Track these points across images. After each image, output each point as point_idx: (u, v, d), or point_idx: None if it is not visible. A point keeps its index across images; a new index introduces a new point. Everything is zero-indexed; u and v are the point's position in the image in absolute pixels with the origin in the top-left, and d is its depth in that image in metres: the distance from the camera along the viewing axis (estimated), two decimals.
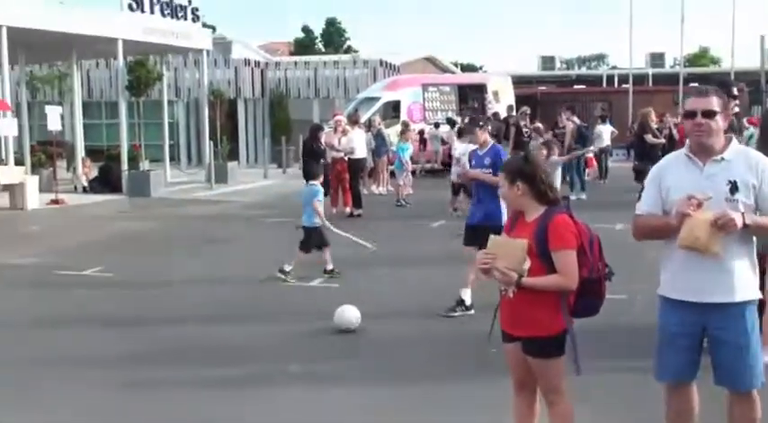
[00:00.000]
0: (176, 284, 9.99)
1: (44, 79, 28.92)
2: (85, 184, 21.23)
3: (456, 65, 50.51)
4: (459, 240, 8.59)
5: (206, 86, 25.42)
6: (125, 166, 20.91)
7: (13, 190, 17.27)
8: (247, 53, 36.04)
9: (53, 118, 18.45)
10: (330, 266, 10.17)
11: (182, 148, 32.04)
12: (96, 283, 10.18)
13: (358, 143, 16.92)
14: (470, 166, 8.46)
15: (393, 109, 25.91)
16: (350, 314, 7.56)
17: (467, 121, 16.38)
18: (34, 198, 17.46)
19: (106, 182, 21.03)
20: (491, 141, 8.46)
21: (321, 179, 10.64)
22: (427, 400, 5.83)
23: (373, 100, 26.05)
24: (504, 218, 7.31)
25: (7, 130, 17.52)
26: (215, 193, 20.92)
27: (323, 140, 16.31)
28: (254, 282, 9.95)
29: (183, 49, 25.27)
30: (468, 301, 8.05)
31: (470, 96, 28.18)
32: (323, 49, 61.74)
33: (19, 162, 19.05)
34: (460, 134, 16.45)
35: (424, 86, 27.38)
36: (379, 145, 20.42)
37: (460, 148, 14.93)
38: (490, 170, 7.97)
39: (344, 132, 16.67)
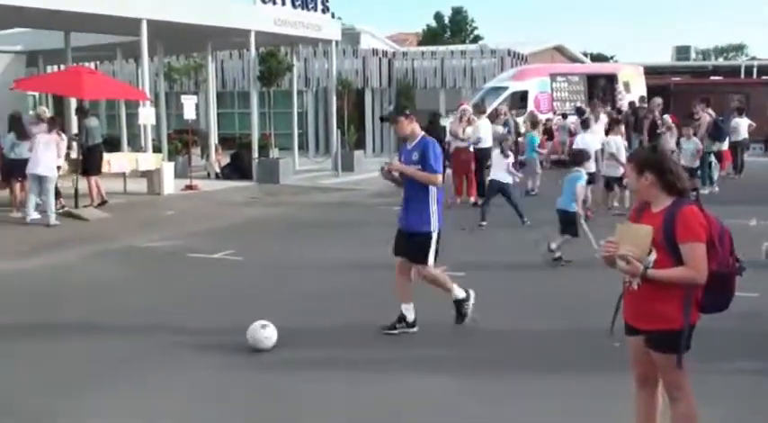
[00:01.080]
0: (303, 268, 10.23)
1: (181, 70, 29.96)
2: (218, 170, 21.93)
3: (585, 55, 49.45)
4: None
5: (334, 76, 25.78)
6: (255, 153, 21.49)
7: (151, 176, 18.02)
8: (375, 43, 36.33)
9: (189, 107, 19.14)
10: (557, 253, 10.30)
11: (310, 137, 32.63)
12: (227, 266, 10.56)
13: (484, 133, 16.84)
14: (399, 160, 7.38)
15: (520, 99, 25.64)
16: (260, 335, 6.79)
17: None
18: (170, 184, 18.17)
19: (237, 169, 21.66)
20: (420, 133, 7.20)
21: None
22: (543, 389, 5.80)
23: (500, 90, 25.84)
24: (435, 223, 7.03)
25: (146, 119, 18.27)
26: (341, 181, 21.25)
27: (447, 130, 16.33)
28: (374, 267, 10.07)
29: (312, 40, 25.70)
30: (410, 317, 7.25)
31: (600, 87, 27.57)
32: (450, 40, 61.54)
33: (156, 149, 19.85)
34: (584, 126, 16.15)
35: (553, 76, 26.96)
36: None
37: (586, 141, 14.72)
38: (419, 166, 7.00)
39: (470, 122, 16.62)
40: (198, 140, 23.97)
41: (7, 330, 7.44)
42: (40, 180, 13.54)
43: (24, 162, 13.94)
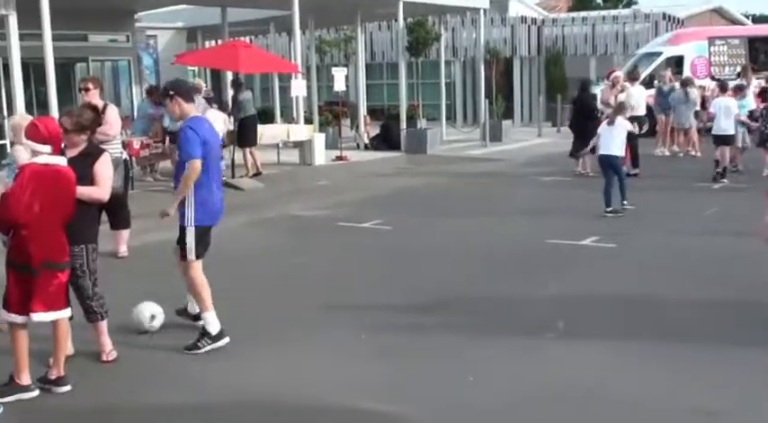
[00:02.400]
0: (452, 238, 10.32)
1: (331, 43, 30.45)
2: (367, 141, 22.25)
3: (747, 16, 46.93)
4: None
5: (482, 45, 25.59)
6: (404, 124, 21.65)
7: (303, 147, 18.49)
8: (524, 11, 35.73)
9: (339, 79, 19.48)
10: None
11: (458, 107, 32.57)
12: (376, 235, 10.78)
13: (637, 100, 16.33)
14: None
15: (675, 64, 24.66)
16: (143, 315, 6.64)
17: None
18: (321, 154, 18.58)
19: (386, 140, 21.90)
20: (191, 113, 6.34)
21: None
22: (708, 359, 5.67)
23: (654, 55, 24.96)
24: (191, 217, 6.19)
25: (297, 91, 18.73)
26: (489, 151, 21.16)
27: (598, 97, 15.95)
28: (523, 236, 10.06)
29: (460, 9, 25.58)
30: (213, 330, 6.23)
31: (763, 50, 26.14)
32: (601, 4, 59.73)
33: (308, 121, 20.33)
34: (722, 89, 15.39)
35: (711, 40, 25.76)
36: (663, 104, 19.48)
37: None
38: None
39: (622, 89, 16.16)
40: (347, 112, 24.37)
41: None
42: None
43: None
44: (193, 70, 27.52)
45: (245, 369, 5.82)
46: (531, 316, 6.93)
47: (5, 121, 16.66)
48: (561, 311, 6.97)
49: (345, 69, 21.03)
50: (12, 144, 7.42)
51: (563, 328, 6.54)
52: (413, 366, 5.80)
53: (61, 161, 5.42)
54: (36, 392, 5.39)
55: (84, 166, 5.77)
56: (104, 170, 5.88)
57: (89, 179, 5.79)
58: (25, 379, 5.38)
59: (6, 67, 14.91)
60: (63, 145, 5.54)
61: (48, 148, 5.30)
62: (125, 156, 9.68)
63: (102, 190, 5.84)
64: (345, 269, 8.86)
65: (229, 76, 19.90)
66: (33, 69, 16.57)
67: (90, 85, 9.38)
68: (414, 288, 7.88)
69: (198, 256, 6.35)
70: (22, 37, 14.54)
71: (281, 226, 11.60)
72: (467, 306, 7.32)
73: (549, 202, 12.96)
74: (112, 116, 9.44)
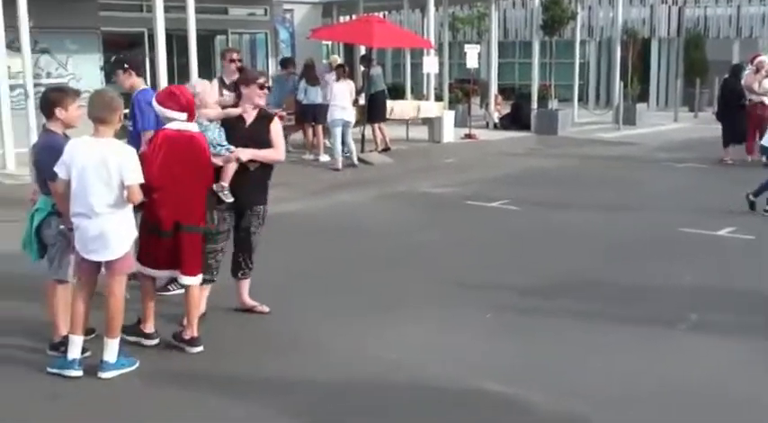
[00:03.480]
0: (581, 221, 10.15)
1: (465, 20, 30.25)
2: (496, 120, 22.05)
3: None
4: None
5: (620, 25, 24.87)
6: (535, 104, 21.36)
7: (432, 124, 18.50)
8: None
9: (471, 57, 19.36)
10: None
11: (591, 89, 31.82)
12: (503, 215, 10.72)
13: None
14: None
15: None
16: None
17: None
18: (449, 132, 18.55)
19: (516, 119, 21.64)
20: (141, 86, 6.78)
21: None
22: None
23: None
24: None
25: (429, 68, 18.71)
26: (622, 135, 20.60)
27: (742, 82, 15.30)
28: (659, 226, 9.80)
29: None
30: (149, 331, 5.79)
31: None
32: None
33: (438, 98, 20.31)
34: None
35: None
36: None
37: None
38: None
39: None
40: (478, 90, 24.20)
41: (302, 262, 8.07)
42: (342, 125, 14.33)
43: (315, 107, 14.90)
44: (327, 45, 27.89)
45: (370, 341, 5.91)
46: (661, 305, 6.77)
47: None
48: (694, 303, 6.77)
49: (478, 47, 20.88)
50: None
51: (695, 320, 6.36)
52: (536, 349, 5.77)
53: (194, 128, 5.62)
54: (156, 340, 5.73)
55: (261, 130, 6.09)
56: (280, 132, 6.30)
57: (267, 142, 6.10)
58: (149, 327, 5.73)
59: (151, 38, 15.50)
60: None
61: (184, 116, 5.52)
62: None
63: (279, 151, 6.22)
64: (472, 247, 8.86)
65: (362, 51, 20.06)
66: (176, 41, 17.17)
67: (236, 57, 9.67)
68: (540, 270, 7.81)
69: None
70: (166, 9, 15.07)
71: (409, 201, 11.68)
72: (594, 291, 7.21)
73: (683, 190, 12.56)
74: None
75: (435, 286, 7.21)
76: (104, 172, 5.03)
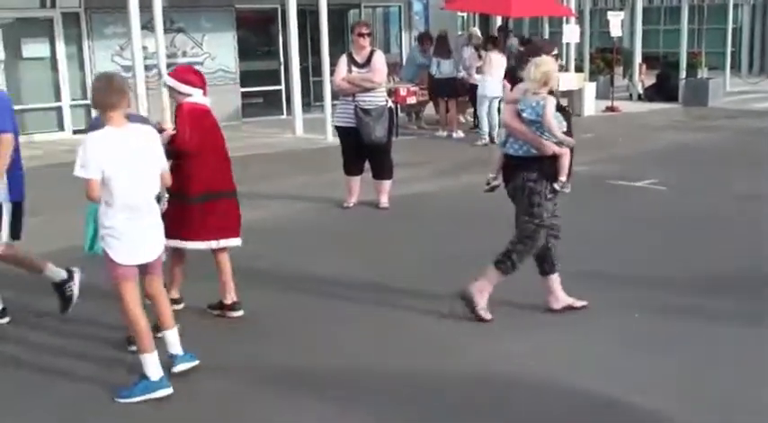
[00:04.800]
0: (734, 205, 9.27)
1: None
2: (641, 91, 20.94)
3: None
4: None
5: None
6: (683, 73, 20.13)
7: (572, 96, 17.66)
8: None
9: (615, 24, 18.34)
10: None
11: (743, 56, 29.90)
12: (650, 196, 9.94)
13: None
14: None
15: None
16: None
17: None
18: (590, 105, 17.69)
19: (661, 90, 20.48)
20: None
21: None
22: None
23: None
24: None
25: (570, 37, 17.86)
26: None
27: None
28: None
29: None
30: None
31: None
32: None
33: (578, 69, 19.42)
34: None
35: None
36: None
37: None
38: None
39: None
40: (621, 59, 23.07)
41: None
42: (495, 99, 13.76)
43: (448, 81, 14.42)
44: (462, 16, 27.21)
45: (505, 344, 5.42)
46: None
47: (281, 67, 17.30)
48: None
49: (622, 14, 19.79)
50: None
51: None
52: (687, 356, 5.12)
53: (207, 102, 5.82)
54: (181, 305, 5.89)
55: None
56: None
57: None
58: (173, 293, 5.82)
59: (284, 14, 15.34)
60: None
61: (200, 91, 5.74)
62: (390, 104, 9.46)
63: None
64: (616, 233, 8.18)
65: (498, 22, 19.35)
66: (309, 16, 16.97)
67: (365, 31, 9.30)
68: (693, 261, 7.09)
69: None
70: None
71: None
72: (759, 289, 6.42)
73: None
74: (379, 62, 9.27)
75: (576, 280, 6.58)
76: (149, 160, 4.71)
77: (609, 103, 18.23)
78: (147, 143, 4.73)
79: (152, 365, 4.66)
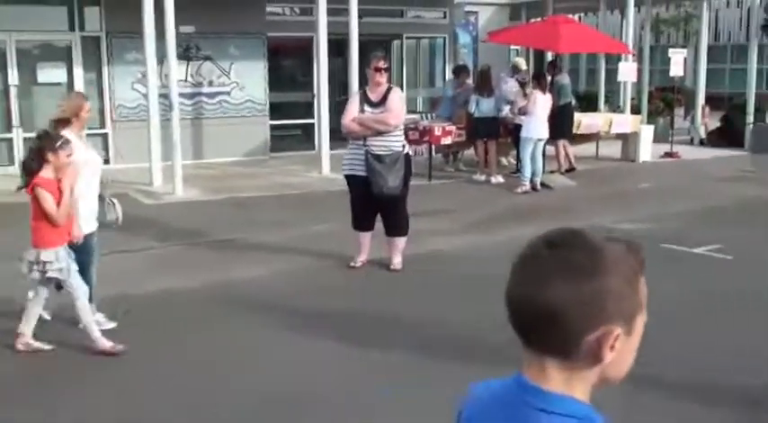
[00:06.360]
0: None
1: (669, 22, 27.53)
2: (703, 135, 19.35)
3: None
4: None
5: None
6: (750, 117, 18.49)
7: (627, 139, 16.23)
8: None
9: (676, 62, 16.88)
10: None
11: None
12: (711, 267, 8.42)
13: None
14: None
15: None
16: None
17: None
18: (647, 149, 16.22)
19: (726, 135, 18.89)
20: None
21: None
22: None
23: None
24: None
25: (626, 76, 16.47)
26: None
27: None
28: None
29: None
30: None
31: None
32: None
33: (635, 110, 17.99)
34: None
35: None
36: None
37: None
38: None
39: None
40: (682, 100, 21.52)
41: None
42: (539, 142, 12.58)
43: (488, 121, 13.19)
44: (516, 49, 25.95)
45: None
46: None
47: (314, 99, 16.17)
48: None
49: (684, 51, 18.31)
50: None
51: None
52: None
53: None
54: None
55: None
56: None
57: None
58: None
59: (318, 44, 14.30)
60: None
61: None
62: (407, 150, 8.16)
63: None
64: (662, 317, 6.66)
65: (549, 56, 18.02)
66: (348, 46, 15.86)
67: (382, 65, 8.08)
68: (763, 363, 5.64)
69: None
70: (335, 12, 13.96)
71: None
72: None
73: None
74: (396, 102, 8.01)
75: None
76: None
77: (668, 149, 16.73)
78: None
79: None
